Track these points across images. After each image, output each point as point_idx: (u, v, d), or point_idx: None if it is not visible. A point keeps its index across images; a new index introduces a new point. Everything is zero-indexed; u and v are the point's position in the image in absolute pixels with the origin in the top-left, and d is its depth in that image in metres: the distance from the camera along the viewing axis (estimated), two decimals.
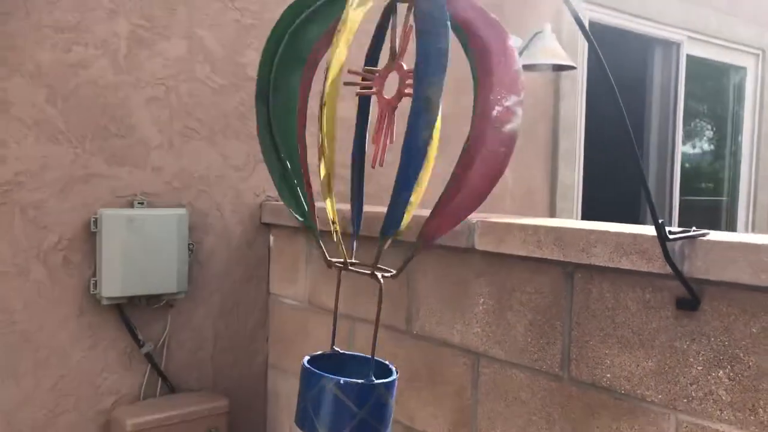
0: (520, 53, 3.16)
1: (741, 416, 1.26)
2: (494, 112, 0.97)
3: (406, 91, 1.04)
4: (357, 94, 1.02)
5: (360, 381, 1.08)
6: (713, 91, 4.88)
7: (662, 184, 4.26)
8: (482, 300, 1.74)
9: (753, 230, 4.79)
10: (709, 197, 4.87)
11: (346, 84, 1.05)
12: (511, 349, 1.68)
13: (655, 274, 1.36)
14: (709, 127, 5.06)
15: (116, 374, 2.23)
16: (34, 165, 2.06)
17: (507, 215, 1.84)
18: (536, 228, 1.56)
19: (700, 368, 1.32)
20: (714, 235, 1.29)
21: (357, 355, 1.31)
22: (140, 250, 2.16)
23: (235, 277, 2.47)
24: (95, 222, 2.13)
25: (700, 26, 4.26)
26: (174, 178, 2.31)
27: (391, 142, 1.10)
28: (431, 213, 1.10)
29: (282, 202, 1.24)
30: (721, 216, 4.79)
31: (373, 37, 1.11)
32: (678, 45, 4.20)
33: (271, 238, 2.55)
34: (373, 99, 1.16)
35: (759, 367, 1.24)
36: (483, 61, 0.98)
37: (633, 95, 4.39)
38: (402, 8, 1.08)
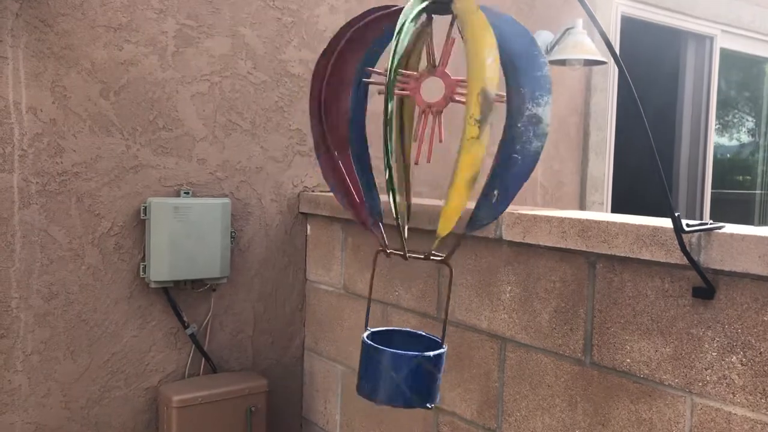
0: (551, 48, 3.22)
1: (753, 399, 1.34)
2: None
3: (456, 97, 1.14)
4: (396, 94, 1.12)
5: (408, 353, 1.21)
6: (751, 82, 4.87)
7: (694, 178, 4.28)
8: (509, 288, 1.83)
9: None
10: (743, 190, 4.87)
11: (368, 82, 1.15)
12: (536, 335, 1.77)
13: (674, 264, 1.44)
14: (748, 119, 5.05)
15: (163, 353, 2.38)
16: (89, 156, 2.20)
17: (533, 207, 1.93)
18: (561, 220, 1.64)
19: (714, 354, 1.40)
20: (729, 228, 1.36)
21: (406, 331, 1.43)
22: (186, 237, 2.29)
23: (274, 263, 2.59)
24: (145, 210, 2.27)
25: (734, 19, 4.25)
26: (217, 168, 2.44)
27: (440, 141, 1.20)
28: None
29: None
30: (754, 210, 4.79)
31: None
32: (711, 39, 4.20)
33: (308, 227, 2.67)
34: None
35: None
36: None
37: (666, 89, 4.41)
38: (441, 20, 1.17)
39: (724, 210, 4.45)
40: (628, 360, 1.55)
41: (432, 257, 1.25)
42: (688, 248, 1.35)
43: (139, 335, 2.33)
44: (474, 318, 1.93)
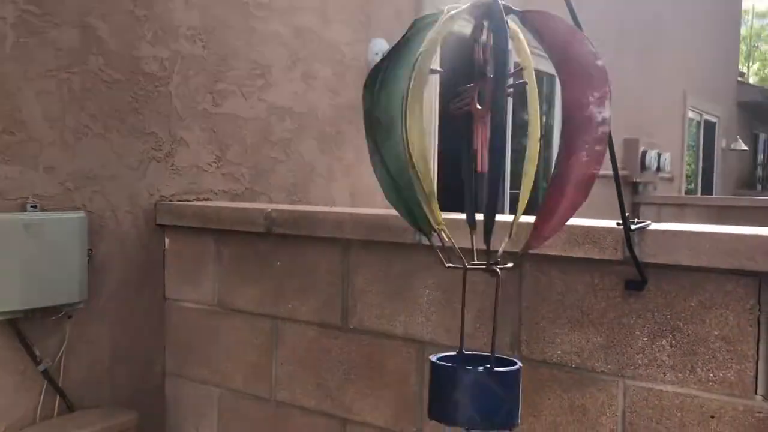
0: None
1: (682, 376, 1.51)
2: (587, 114, 1.10)
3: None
4: (452, 112, 1.10)
5: (509, 368, 1.26)
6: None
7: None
8: (427, 292, 1.85)
9: None
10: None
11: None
12: (458, 335, 1.80)
13: (604, 260, 1.56)
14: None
15: (7, 398, 2.01)
16: None
17: (451, 213, 1.96)
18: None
19: (645, 339, 1.55)
20: (656, 225, 1.52)
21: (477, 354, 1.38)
22: (38, 259, 1.97)
23: (130, 282, 2.33)
24: None
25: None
26: (68, 178, 2.13)
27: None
28: (540, 213, 1.21)
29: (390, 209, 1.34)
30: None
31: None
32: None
33: (166, 240, 2.44)
34: None
35: (696, 334, 1.49)
36: (565, 67, 1.11)
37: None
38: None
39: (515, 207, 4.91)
40: (559, 352, 1.66)
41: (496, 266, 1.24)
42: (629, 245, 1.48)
43: None
44: (387, 324, 1.92)
